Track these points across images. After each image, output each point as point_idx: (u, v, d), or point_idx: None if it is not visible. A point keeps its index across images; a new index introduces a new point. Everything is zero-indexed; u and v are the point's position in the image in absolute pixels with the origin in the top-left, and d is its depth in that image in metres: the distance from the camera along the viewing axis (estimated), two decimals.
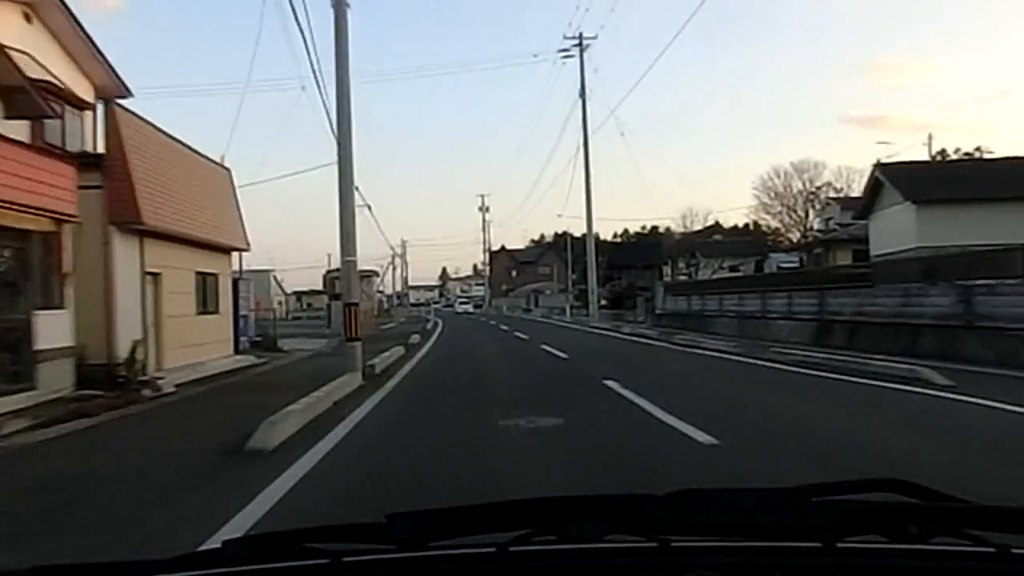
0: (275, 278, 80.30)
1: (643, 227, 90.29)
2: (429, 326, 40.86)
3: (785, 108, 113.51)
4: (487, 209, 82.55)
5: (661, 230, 74.61)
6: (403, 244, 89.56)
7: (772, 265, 50.94)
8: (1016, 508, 1.09)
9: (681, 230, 66.46)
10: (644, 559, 1.08)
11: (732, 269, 55.75)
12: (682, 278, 54.80)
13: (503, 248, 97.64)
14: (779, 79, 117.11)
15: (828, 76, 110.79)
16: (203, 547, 3.60)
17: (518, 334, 29.23)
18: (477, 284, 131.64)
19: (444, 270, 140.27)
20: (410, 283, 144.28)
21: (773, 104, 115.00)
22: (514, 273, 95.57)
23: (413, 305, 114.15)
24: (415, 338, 26.38)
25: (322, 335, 34.71)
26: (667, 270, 59.08)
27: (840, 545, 1.06)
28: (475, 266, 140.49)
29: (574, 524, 1.07)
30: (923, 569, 1.07)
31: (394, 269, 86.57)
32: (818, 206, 55.45)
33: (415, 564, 1.09)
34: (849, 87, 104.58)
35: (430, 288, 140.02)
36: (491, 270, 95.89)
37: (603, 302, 56.30)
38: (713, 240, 62.88)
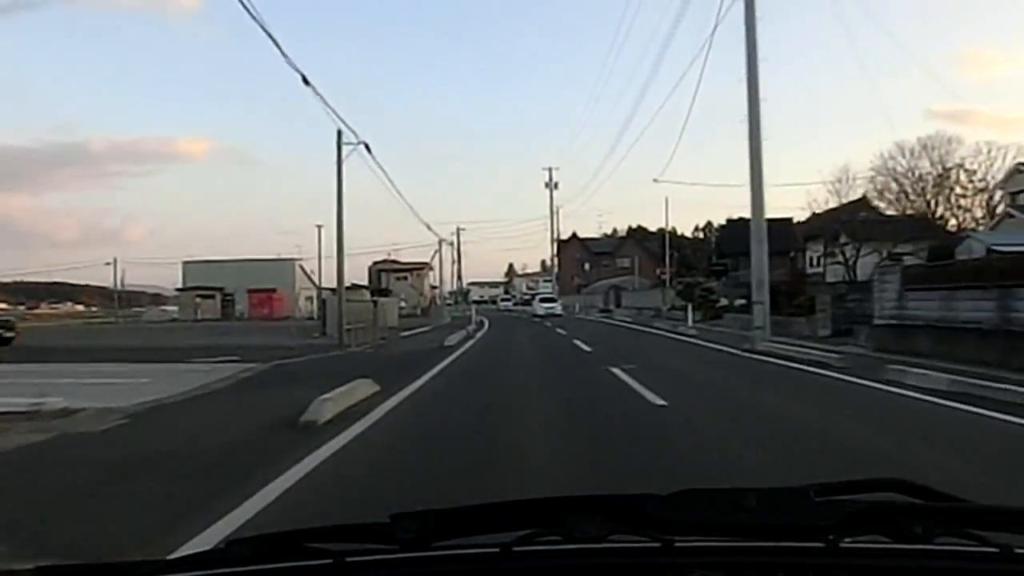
0: (302, 268, 65.51)
1: (729, 216, 73.67)
2: (452, 340, 23.89)
3: (868, 102, 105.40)
4: (555, 186, 66.35)
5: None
6: (457, 232, 74.68)
7: (972, 249, 32.64)
8: (1019, 508, 1.07)
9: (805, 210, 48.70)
10: (648, 559, 1.07)
11: (892, 257, 37.93)
12: (814, 270, 37.16)
13: (574, 236, 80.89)
14: (861, 72, 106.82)
15: (912, 68, 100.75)
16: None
17: (631, 379, 11.87)
18: (545, 280, 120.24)
19: (511, 266, 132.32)
20: (474, 279, 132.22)
21: (855, 98, 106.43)
22: (587, 266, 78.99)
23: (477, 303, 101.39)
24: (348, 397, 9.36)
25: (274, 350, 20.31)
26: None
27: (843, 545, 1.05)
28: (543, 262, 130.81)
29: (578, 524, 1.05)
30: (926, 569, 1.05)
31: (452, 262, 71.60)
32: (990, 178, 41.57)
33: (418, 564, 1.08)
34: (935, 80, 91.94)
35: (495, 284, 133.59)
36: (559, 262, 80.00)
37: (726, 302, 39.16)
38: (865, 219, 44.64)
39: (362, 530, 1.07)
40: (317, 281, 67.25)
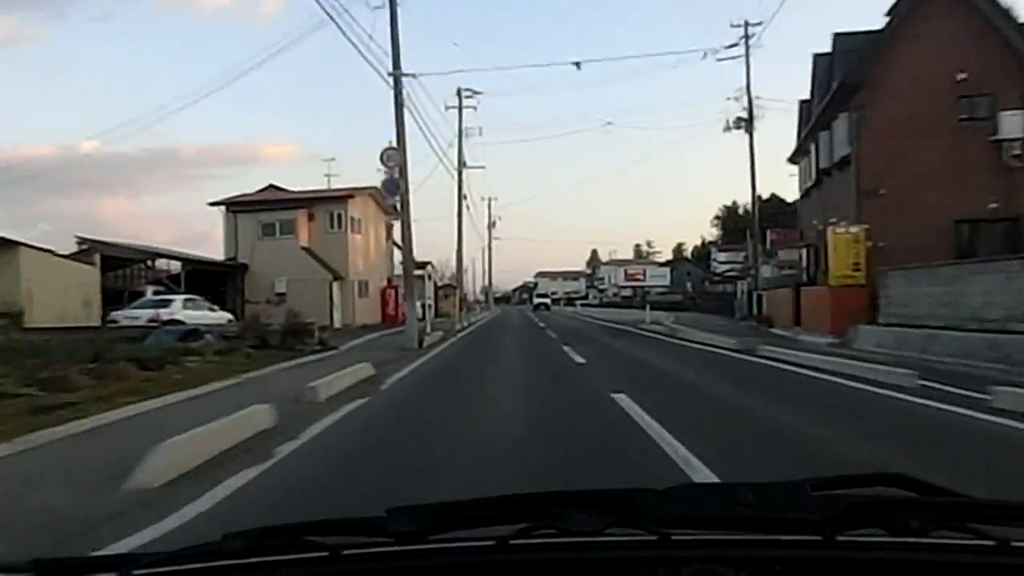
0: None
1: None
2: None
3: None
4: None
5: None
6: (460, 135, 32.29)
7: None
8: (1016, 502, 1.07)
9: None
10: (644, 552, 1.06)
11: None
12: None
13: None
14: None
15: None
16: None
17: None
18: (656, 271, 78.60)
19: (594, 253, 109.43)
20: (545, 268, 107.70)
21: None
22: None
23: (539, 301, 66.63)
24: None
25: None
26: None
27: (840, 538, 1.04)
28: (636, 247, 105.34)
29: (574, 518, 1.04)
30: (923, 562, 1.03)
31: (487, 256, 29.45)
32: None
33: (415, 557, 1.07)
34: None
35: (574, 276, 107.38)
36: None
37: None
38: None
39: (358, 524, 1.06)
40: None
